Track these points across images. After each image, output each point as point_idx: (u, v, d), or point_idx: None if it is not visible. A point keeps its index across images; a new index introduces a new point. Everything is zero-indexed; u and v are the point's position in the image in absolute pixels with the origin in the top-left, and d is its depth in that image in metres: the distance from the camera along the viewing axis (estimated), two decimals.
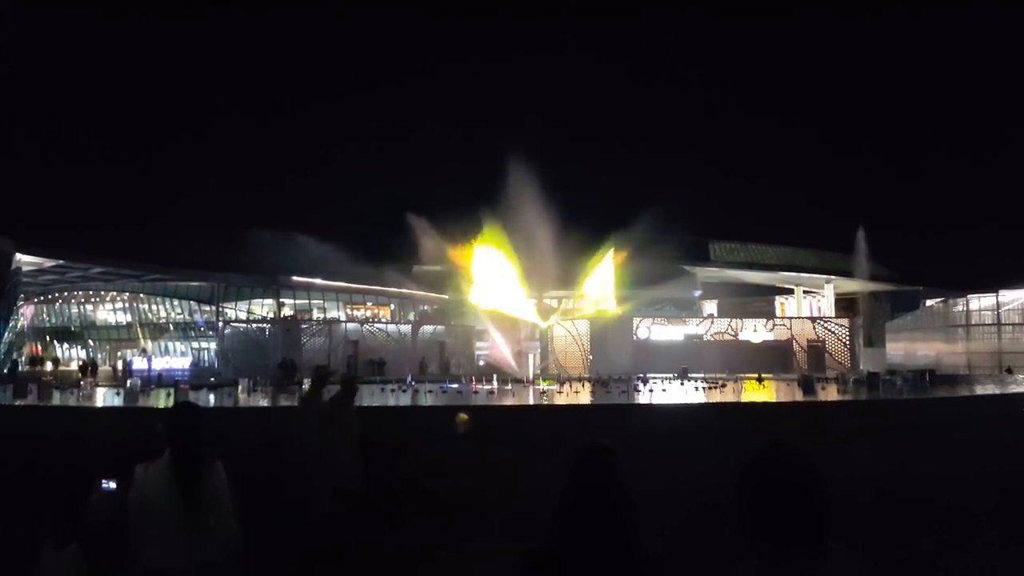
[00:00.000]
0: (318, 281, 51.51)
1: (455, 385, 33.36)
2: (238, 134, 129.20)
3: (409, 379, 33.45)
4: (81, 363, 47.32)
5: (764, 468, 2.19)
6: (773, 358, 47.91)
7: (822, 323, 54.12)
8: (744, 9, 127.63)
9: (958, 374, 36.83)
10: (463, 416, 15.15)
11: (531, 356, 45.62)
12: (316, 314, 51.94)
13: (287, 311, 51.20)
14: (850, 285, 64.46)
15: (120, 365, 46.03)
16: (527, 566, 2.36)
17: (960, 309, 44.01)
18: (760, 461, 2.22)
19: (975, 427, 13.59)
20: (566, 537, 2.29)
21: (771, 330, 52.98)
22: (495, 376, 35.61)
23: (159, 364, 48.11)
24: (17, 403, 22.40)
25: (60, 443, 10.81)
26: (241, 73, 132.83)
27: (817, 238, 65.13)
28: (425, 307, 56.48)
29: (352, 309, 54.48)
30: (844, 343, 52.03)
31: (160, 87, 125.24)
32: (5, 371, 40.97)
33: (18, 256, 40.83)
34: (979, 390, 26.40)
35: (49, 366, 47.05)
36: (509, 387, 32.93)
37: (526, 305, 48.34)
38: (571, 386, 32.34)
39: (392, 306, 56.61)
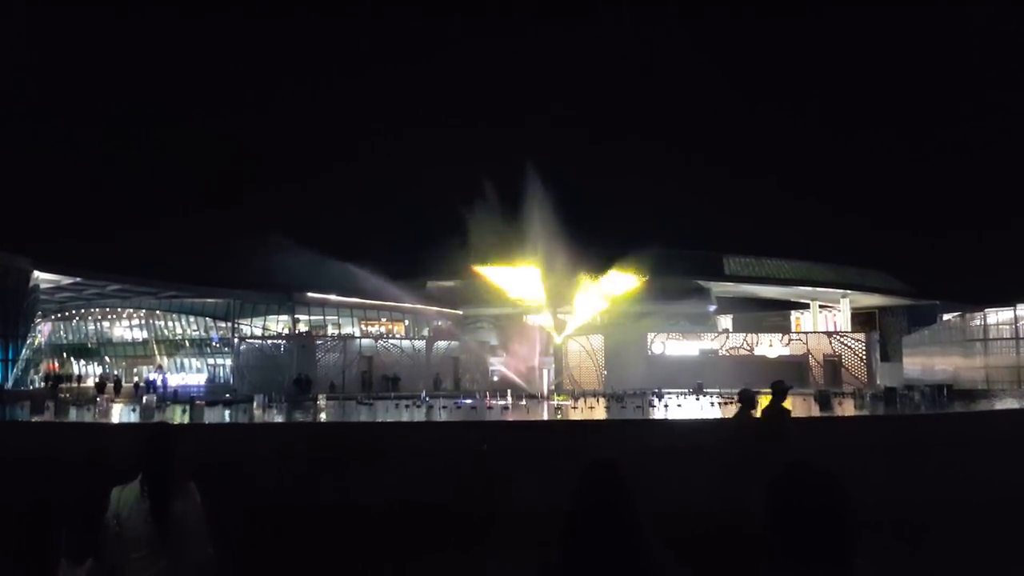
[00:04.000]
0: (333, 297, 51.73)
1: (469, 400, 33.36)
2: (250, 149, 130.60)
3: (423, 395, 33.49)
4: (98, 380, 47.74)
5: (790, 486, 2.22)
6: (789, 373, 47.49)
7: (838, 338, 53.65)
8: (759, 14, 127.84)
9: (976, 389, 36.38)
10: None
11: (545, 371, 45.58)
12: (331, 330, 52.12)
13: (302, 327, 51.42)
14: (866, 299, 64.02)
15: (141, 382, 46.51)
16: None
17: (978, 323, 43.51)
18: (786, 479, 2.24)
19: (993, 443, 13.42)
20: (575, 553, 2.30)
21: (787, 345, 52.58)
22: (509, 391, 35.60)
23: (175, 380, 48.51)
24: (34, 419, 22.65)
25: (77, 459, 10.91)
26: (253, 83, 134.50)
27: (833, 252, 64.74)
28: (439, 323, 56.59)
29: (367, 325, 54.65)
30: (861, 358, 51.52)
31: (170, 96, 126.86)
32: (32, 387, 41.51)
33: (36, 273, 41.32)
34: (998, 405, 26.07)
35: (72, 383, 47.51)
36: (524, 402, 32.89)
37: (540, 320, 48.34)
38: (586, 401, 32.26)
39: (406, 322, 56.75)
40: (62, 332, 59.65)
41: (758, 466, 8.11)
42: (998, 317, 41.99)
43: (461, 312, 55.95)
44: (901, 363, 55.81)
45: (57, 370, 55.72)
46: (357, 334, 51.94)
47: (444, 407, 28.60)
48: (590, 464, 2.44)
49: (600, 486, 2.37)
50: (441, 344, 52.69)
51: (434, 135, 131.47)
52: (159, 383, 45.05)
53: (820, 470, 2.23)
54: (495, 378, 48.66)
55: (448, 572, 7.13)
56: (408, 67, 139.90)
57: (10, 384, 38.87)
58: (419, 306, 53.34)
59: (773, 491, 2.20)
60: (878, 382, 47.43)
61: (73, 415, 24.55)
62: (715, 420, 21.41)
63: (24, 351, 42.16)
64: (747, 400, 9.15)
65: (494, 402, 31.48)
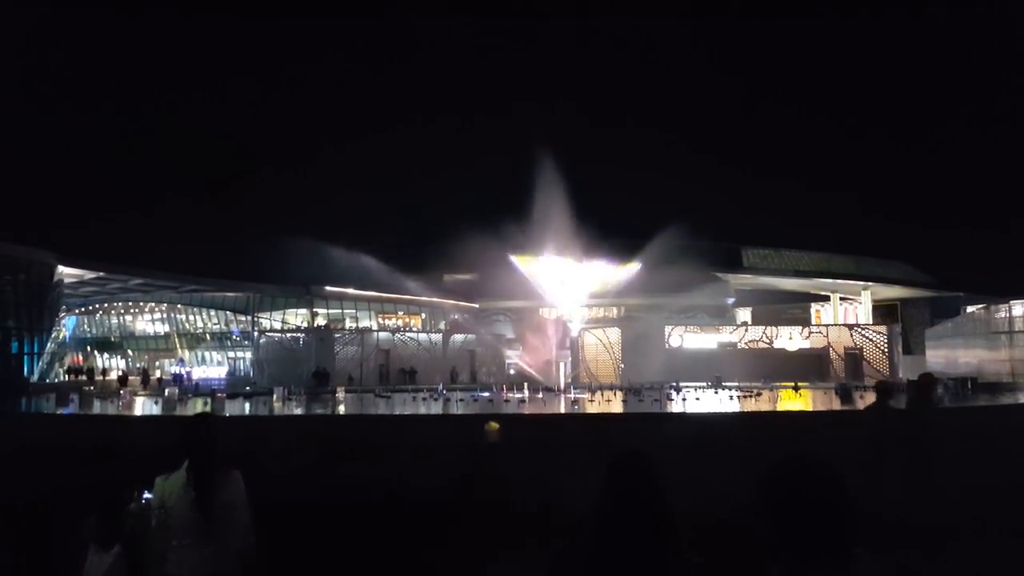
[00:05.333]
0: (350, 291, 52.01)
1: (486, 393, 33.44)
2: (268, 144, 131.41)
3: (440, 387, 33.61)
4: (121, 373, 48.40)
5: (787, 477, 2.23)
6: (809, 366, 47.12)
7: (859, 330, 53.08)
8: (780, 10, 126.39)
9: (1001, 382, 35.87)
10: (493, 424, 15.22)
11: (562, 364, 45.57)
12: (348, 323, 52.43)
13: (320, 320, 51.77)
14: (888, 291, 63.26)
15: (170, 375, 47.19)
16: (559, 566, 2.41)
17: (1003, 315, 42.78)
18: (783, 470, 2.25)
19: (1017, 436, 13.24)
20: (601, 542, 2.34)
21: (807, 338, 52.14)
22: (526, 385, 35.63)
23: (196, 373, 49.06)
24: (59, 412, 23.04)
25: (102, 449, 11.08)
26: (266, 80, 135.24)
27: (853, 243, 64.05)
28: (456, 316, 56.71)
29: (384, 318, 54.91)
30: (882, 350, 50.96)
31: (186, 92, 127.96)
32: (57, 380, 42.28)
33: (59, 268, 41.93)
34: (1023, 398, 25.71)
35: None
36: (540, 396, 32.92)
37: (557, 313, 48.29)
38: (602, 395, 32.22)
39: (423, 315, 56.92)
40: (85, 326, 60.51)
41: (902, 456, 8.30)
42: None
43: (478, 305, 56.04)
44: (924, 356, 55.14)
45: (81, 363, 56.60)
46: (374, 327, 52.20)
47: (461, 400, 28.71)
48: (620, 454, 2.50)
49: (630, 476, 2.42)
50: (458, 337, 52.81)
51: (449, 129, 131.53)
52: (185, 376, 45.66)
53: (817, 459, 2.24)
54: (511, 371, 48.72)
55: (465, 562, 7.17)
56: (421, 60, 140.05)
57: (36, 377, 39.54)
58: (436, 299, 53.47)
59: (772, 483, 2.21)
60: (900, 375, 46.91)
61: (97, 407, 24.91)
62: (733, 413, 21.30)
63: (49, 345, 42.82)
64: (886, 391, 9.26)
65: (511, 395, 31.54)
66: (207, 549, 3.76)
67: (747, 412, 22.26)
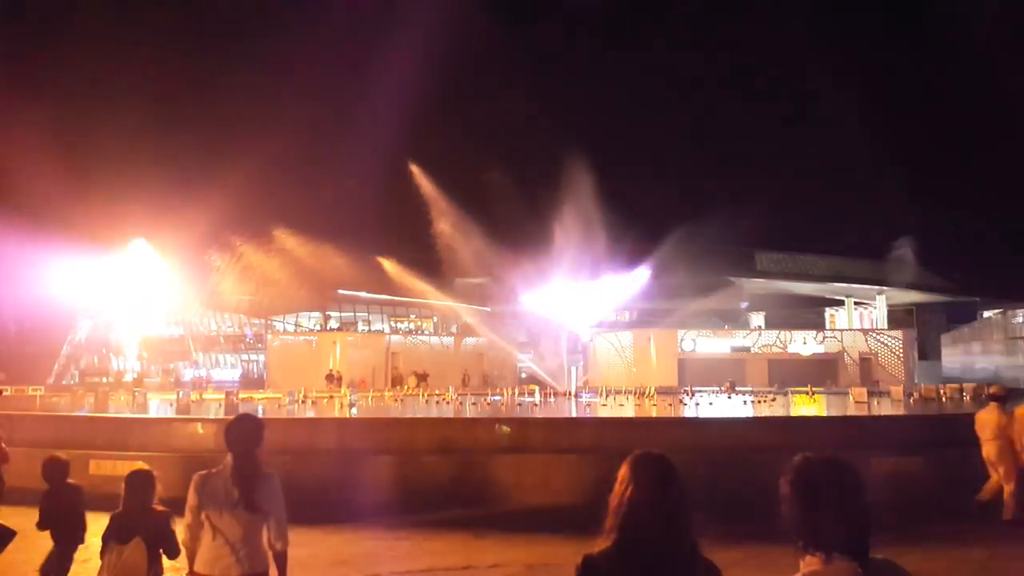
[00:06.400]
0: (363, 294, 52.21)
1: (497, 397, 33.40)
2: (276, 147, 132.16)
3: (451, 391, 33.60)
4: (136, 375, 48.80)
5: (806, 478, 2.22)
6: (824, 371, 46.81)
7: (874, 335, 52.70)
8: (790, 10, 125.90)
9: (1019, 387, 35.54)
10: (505, 428, 15.21)
11: (574, 369, 45.50)
12: (361, 326, 52.65)
13: (333, 324, 51.99)
14: (903, 296, 62.76)
15: (188, 377, 47.64)
16: (587, 569, 2.45)
17: (1020, 320, 42.44)
18: (802, 471, 2.24)
19: None
20: (625, 543, 2.37)
21: (821, 343, 51.81)
22: (537, 388, 35.61)
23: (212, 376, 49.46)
24: (76, 413, 23.21)
25: (118, 449, 11.15)
26: (275, 80, 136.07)
27: (868, 247, 63.39)
28: (467, 319, 56.74)
29: (396, 321, 55.08)
30: (898, 356, 50.55)
31: (196, 94, 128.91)
32: (73, 382, 42.70)
33: None
34: None
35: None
36: (552, 400, 32.86)
37: (568, 317, 48.21)
38: (614, 399, 32.12)
39: (435, 318, 57.05)
40: (100, 328, 61.05)
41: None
42: None
43: (489, 309, 56.09)
44: (940, 361, 54.69)
45: (96, 364, 57.08)
46: (386, 330, 52.36)
47: (473, 403, 28.71)
48: (640, 456, 2.51)
49: (652, 478, 2.45)
50: (469, 341, 52.86)
51: (457, 129, 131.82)
52: (204, 379, 46.06)
53: (836, 461, 2.21)
54: (523, 375, 48.67)
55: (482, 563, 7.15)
56: (429, 60, 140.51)
57: (51, 379, 39.98)
58: (447, 303, 53.58)
59: (789, 482, 2.19)
60: (916, 380, 46.56)
61: (113, 409, 25.08)
62: (747, 418, 21.17)
63: (64, 347, 43.28)
64: (1003, 397, 9.51)
65: (522, 399, 31.49)
66: (242, 549, 3.78)
67: (763, 417, 22.12)
